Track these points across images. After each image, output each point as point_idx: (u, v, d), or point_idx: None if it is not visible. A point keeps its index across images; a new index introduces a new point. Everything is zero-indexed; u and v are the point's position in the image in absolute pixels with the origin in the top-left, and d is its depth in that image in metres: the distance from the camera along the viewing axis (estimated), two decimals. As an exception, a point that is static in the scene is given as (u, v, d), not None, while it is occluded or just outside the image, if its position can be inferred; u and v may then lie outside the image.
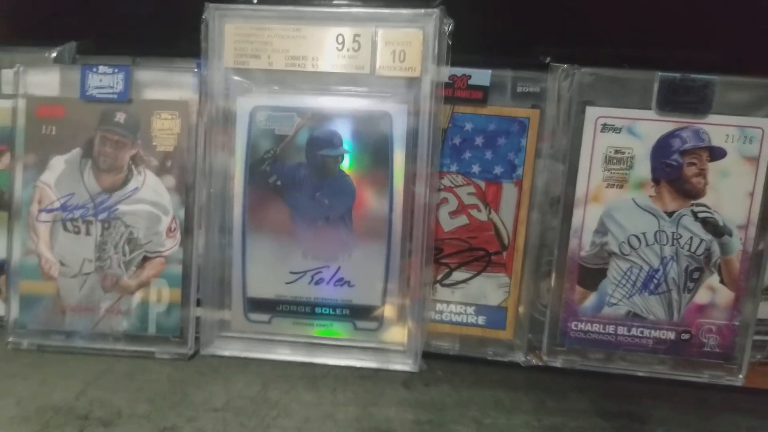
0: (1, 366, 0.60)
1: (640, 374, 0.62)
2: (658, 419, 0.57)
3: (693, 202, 0.60)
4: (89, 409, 0.55)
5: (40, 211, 0.62)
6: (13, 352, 0.63)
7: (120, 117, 0.61)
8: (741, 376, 0.62)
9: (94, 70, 0.61)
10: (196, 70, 0.61)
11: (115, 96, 0.61)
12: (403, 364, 0.62)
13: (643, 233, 0.60)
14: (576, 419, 0.56)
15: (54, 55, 0.64)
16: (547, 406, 0.58)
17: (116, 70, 0.61)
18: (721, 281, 0.61)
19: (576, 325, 0.62)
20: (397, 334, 0.62)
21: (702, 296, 0.61)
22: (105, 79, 0.61)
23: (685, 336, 0.62)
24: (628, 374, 0.62)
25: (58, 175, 0.62)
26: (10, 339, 0.63)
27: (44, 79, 0.62)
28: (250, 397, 0.57)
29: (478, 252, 0.63)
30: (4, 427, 0.53)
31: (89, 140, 0.62)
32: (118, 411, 0.55)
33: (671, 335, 0.62)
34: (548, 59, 0.61)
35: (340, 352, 0.62)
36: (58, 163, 0.62)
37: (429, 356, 0.64)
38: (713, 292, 0.61)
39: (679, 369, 0.62)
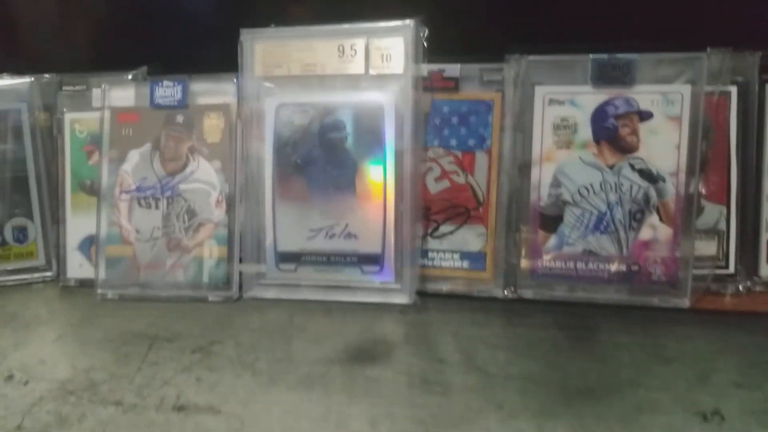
0: (92, 310, 0.79)
1: (599, 302, 0.74)
2: (607, 329, 0.69)
3: (629, 156, 0.73)
4: (156, 332, 0.72)
5: (121, 192, 0.81)
6: (101, 301, 0.81)
7: (179, 118, 0.81)
8: (686, 300, 0.73)
9: (160, 84, 0.81)
10: (234, 80, 0.80)
11: (176, 103, 0.81)
12: (401, 298, 0.76)
13: (591, 184, 0.74)
14: (536, 330, 0.70)
15: (130, 77, 0.85)
16: (513, 323, 0.71)
17: (176, 84, 0.81)
18: (661, 220, 0.73)
19: (542, 263, 0.76)
20: (395, 276, 0.77)
21: (645, 233, 0.74)
22: (168, 90, 0.81)
23: (635, 268, 0.74)
24: (589, 302, 0.75)
25: (134, 165, 0.81)
26: (99, 291, 0.81)
27: (123, 94, 0.82)
28: (279, 322, 0.74)
29: (459, 209, 0.78)
30: (97, 344, 0.70)
31: (157, 137, 0.81)
32: (178, 333, 0.72)
33: (623, 267, 0.74)
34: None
35: (350, 291, 0.78)
36: (134, 156, 0.81)
37: (423, 295, 0.78)
38: (654, 229, 0.73)
39: (633, 295, 0.74)
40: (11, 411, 0.59)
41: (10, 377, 0.65)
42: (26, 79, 0.86)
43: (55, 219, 0.86)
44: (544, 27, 0.83)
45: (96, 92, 0.84)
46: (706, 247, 0.76)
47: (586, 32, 0.76)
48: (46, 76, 0.86)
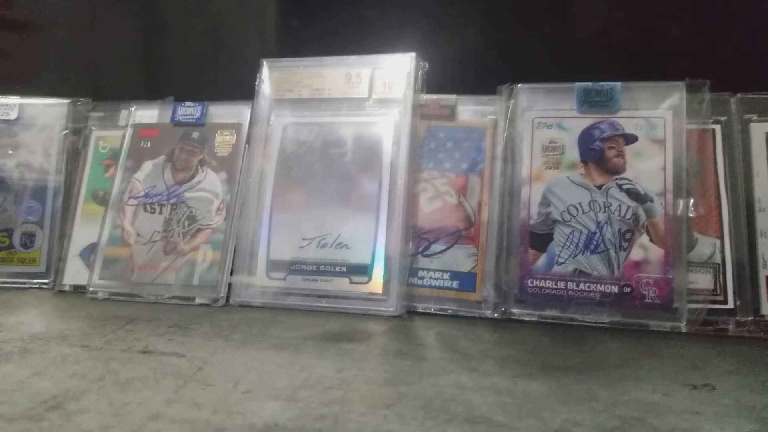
0: (80, 304, 0.79)
1: (591, 323, 0.72)
2: (596, 338, 0.67)
3: (616, 176, 0.75)
4: (138, 316, 0.72)
5: (129, 197, 0.85)
6: (91, 300, 0.81)
7: (195, 134, 0.86)
8: (683, 323, 0.70)
9: (182, 104, 0.88)
10: (250, 105, 0.87)
11: (194, 120, 0.87)
12: (388, 309, 0.75)
13: (579, 203, 0.75)
14: (523, 335, 0.67)
15: (159, 106, 0.92)
16: (500, 330, 0.69)
17: (197, 104, 0.88)
18: (651, 240, 0.73)
19: (532, 282, 0.75)
20: (383, 287, 0.77)
21: (636, 253, 0.73)
22: (189, 110, 0.87)
23: (627, 289, 0.72)
24: (581, 324, 0.72)
25: (146, 174, 0.86)
26: (90, 290, 0.82)
27: (147, 113, 0.89)
28: (262, 318, 0.72)
29: (450, 229, 0.79)
30: (77, 319, 0.70)
31: (172, 150, 0.86)
32: (159, 318, 0.71)
33: (614, 288, 0.73)
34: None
35: (338, 300, 0.77)
36: (147, 166, 0.86)
37: (412, 314, 0.77)
38: (645, 250, 0.73)
39: (627, 318, 0.72)
40: (-23, 345, 0.58)
41: (-15, 329, 0.65)
42: (64, 101, 0.94)
43: (63, 231, 0.89)
44: (532, 63, 0.91)
45: (124, 112, 0.91)
46: (702, 281, 0.75)
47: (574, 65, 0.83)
48: (82, 100, 0.94)
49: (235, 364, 0.54)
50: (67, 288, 0.86)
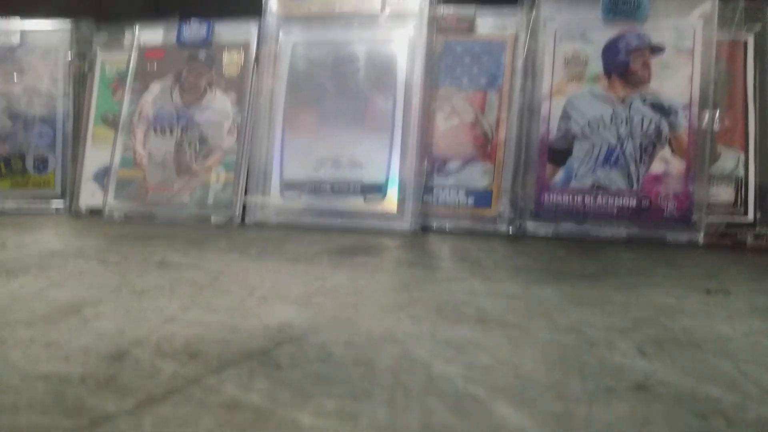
0: (97, 226, 0.80)
1: (608, 238, 0.71)
2: (613, 249, 0.66)
3: (641, 89, 0.73)
4: (155, 234, 0.72)
5: (139, 119, 0.84)
6: (107, 221, 0.82)
7: (202, 54, 0.85)
8: (700, 235, 0.69)
9: (187, 23, 0.86)
10: (257, 22, 0.84)
11: (201, 40, 0.85)
12: (402, 226, 0.75)
13: (601, 117, 0.73)
14: (538, 247, 0.67)
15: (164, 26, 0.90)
16: (515, 244, 0.69)
17: (202, 23, 0.85)
18: (673, 153, 0.71)
19: (549, 197, 0.74)
20: (398, 205, 0.76)
21: (657, 167, 0.72)
22: (195, 29, 0.85)
23: (645, 203, 0.71)
24: (597, 239, 0.72)
25: (155, 95, 0.85)
26: (106, 210, 0.82)
27: (152, 34, 0.87)
28: (276, 236, 0.73)
29: (467, 146, 0.78)
30: (94, 238, 0.71)
31: (179, 71, 0.85)
32: (176, 235, 0.72)
33: (633, 203, 0.72)
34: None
35: (352, 218, 0.77)
36: (155, 87, 0.85)
37: (426, 231, 0.76)
38: (667, 163, 0.71)
39: (643, 231, 0.71)
40: (-4, 260, 0.59)
41: (3, 246, 0.65)
42: (66, 24, 0.92)
43: (75, 154, 0.89)
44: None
45: (128, 34, 0.89)
46: (723, 194, 0.73)
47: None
48: (85, 21, 0.92)
49: (251, 274, 0.54)
50: (83, 210, 0.87)
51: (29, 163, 0.90)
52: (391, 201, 0.77)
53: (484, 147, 0.77)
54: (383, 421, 0.28)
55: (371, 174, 0.77)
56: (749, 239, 0.71)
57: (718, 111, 0.71)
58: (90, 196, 0.87)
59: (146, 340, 0.37)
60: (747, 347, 0.38)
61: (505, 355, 0.36)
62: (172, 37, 0.86)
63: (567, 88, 0.75)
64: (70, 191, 0.89)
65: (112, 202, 0.82)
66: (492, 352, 0.36)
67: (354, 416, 0.28)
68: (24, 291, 0.48)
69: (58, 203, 0.89)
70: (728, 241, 0.70)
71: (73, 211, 0.87)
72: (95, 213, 0.86)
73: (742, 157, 0.73)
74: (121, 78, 0.88)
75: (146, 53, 0.87)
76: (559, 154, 0.74)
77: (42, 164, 0.90)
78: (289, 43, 0.82)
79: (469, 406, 0.30)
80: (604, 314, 0.43)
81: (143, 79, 0.86)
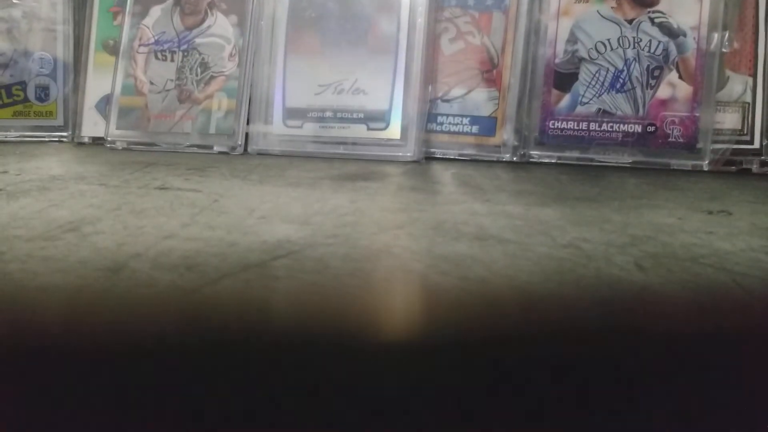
0: (99, 154, 0.80)
1: (612, 164, 0.71)
2: (616, 174, 0.66)
3: (649, 9, 0.70)
4: (157, 161, 0.72)
5: (139, 45, 0.83)
6: (109, 149, 0.82)
7: (202, -23, 0.83)
8: (705, 161, 0.69)
9: (187, -56, 0.83)
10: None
11: (200, -40, 0.83)
12: (405, 153, 0.74)
13: (608, 39, 0.71)
14: (541, 173, 0.67)
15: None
16: (517, 170, 0.68)
17: (202, -57, 0.83)
18: (680, 77, 0.70)
19: (553, 124, 0.73)
20: (401, 133, 0.75)
21: (663, 91, 0.70)
22: (194, -51, 0.83)
23: (651, 128, 0.70)
24: (601, 165, 0.71)
25: (155, 20, 0.83)
26: (108, 139, 0.82)
27: (152, -45, 0.85)
28: (279, 164, 0.72)
29: (472, 71, 0.77)
30: (96, 164, 0.71)
31: (179, -6, 0.83)
32: (178, 163, 0.72)
33: (638, 128, 0.71)
34: None
35: (355, 146, 0.76)
36: (155, 11, 0.83)
37: (430, 159, 0.76)
38: (673, 87, 0.70)
39: (648, 157, 0.70)
40: (-2, 184, 0.59)
41: (5, 172, 0.66)
42: (64, -56, 0.90)
43: (76, 83, 0.88)
44: None
45: (125, -44, 0.87)
46: (730, 120, 0.72)
47: None
48: (83, -58, 0.90)
49: (251, 197, 0.54)
50: (86, 140, 0.87)
51: (30, 91, 0.89)
52: (394, 129, 0.76)
53: (489, 72, 0.76)
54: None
55: (374, 101, 0.76)
56: (755, 166, 0.70)
57: (727, 33, 0.69)
58: (92, 125, 0.86)
59: (144, 254, 0.38)
60: (745, 262, 0.38)
61: (501, 268, 0.36)
62: (172, -42, 0.84)
63: (574, 8, 0.72)
64: (72, 121, 0.88)
65: (114, 131, 0.82)
66: (488, 266, 0.36)
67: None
68: (24, 211, 0.49)
69: (60, 134, 0.89)
70: (733, 168, 0.69)
71: (76, 141, 0.87)
72: (98, 141, 0.85)
73: (750, 81, 0.71)
74: (121, 2, 0.86)
75: (145, -25, 0.85)
76: (564, 78, 0.73)
77: (44, 93, 0.89)
78: (291, -36, 0.80)
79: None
80: (603, 232, 0.43)
81: (143, 2, 0.84)
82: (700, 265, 0.37)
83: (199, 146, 0.79)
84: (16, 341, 0.27)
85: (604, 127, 0.71)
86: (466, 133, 0.76)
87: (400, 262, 0.37)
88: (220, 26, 0.81)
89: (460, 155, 0.76)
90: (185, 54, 0.81)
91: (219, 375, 0.25)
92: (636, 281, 0.34)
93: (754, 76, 0.71)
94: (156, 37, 0.82)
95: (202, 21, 0.81)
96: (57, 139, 0.89)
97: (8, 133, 0.88)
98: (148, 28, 0.83)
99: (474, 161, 0.75)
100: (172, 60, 0.82)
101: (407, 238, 0.42)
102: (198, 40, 0.81)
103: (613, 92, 0.71)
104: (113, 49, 0.86)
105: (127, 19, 0.84)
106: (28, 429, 0.23)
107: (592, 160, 0.71)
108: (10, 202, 0.51)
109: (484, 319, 0.30)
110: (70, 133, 0.88)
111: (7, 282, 0.33)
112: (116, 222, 0.45)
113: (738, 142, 0.71)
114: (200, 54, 0.81)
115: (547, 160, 0.73)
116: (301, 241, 0.41)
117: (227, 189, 0.57)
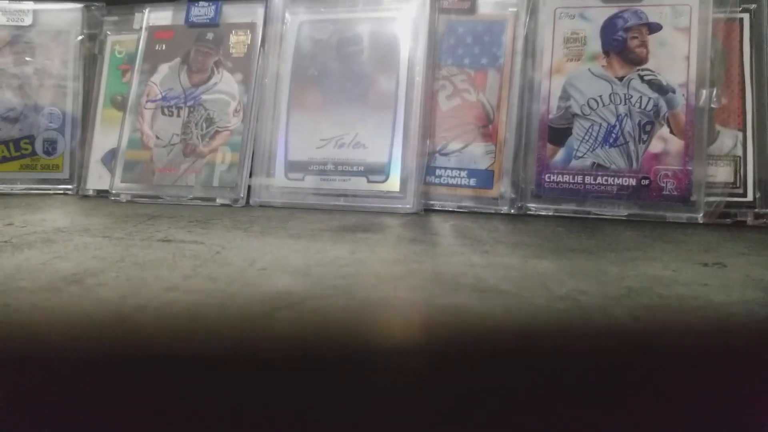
0: (104, 206, 0.81)
1: (608, 217, 0.72)
2: (611, 227, 0.67)
3: (638, 67, 0.73)
4: (161, 214, 0.73)
5: (147, 101, 0.85)
6: (114, 202, 0.83)
7: (210, 35, 0.86)
8: (699, 214, 0.70)
9: (197, 4, 0.87)
10: (264, 2, 0.85)
11: (208, 20, 0.86)
12: (404, 205, 0.76)
13: (600, 96, 0.74)
14: (538, 225, 0.68)
15: (173, 7, 0.91)
16: (515, 222, 0.70)
17: (210, 3, 0.86)
18: (671, 132, 0.71)
19: (549, 177, 0.74)
20: (400, 185, 0.77)
21: (656, 146, 0.72)
22: (203, 9, 0.86)
23: (645, 182, 0.72)
24: (597, 218, 0.72)
25: (163, 77, 0.86)
26: (113, 192, 0.84)
27: (161, 15, 0.88)
28: (280, 215, 0.74)
29: (469, 126, 0.79)
30: (100, 216, 0.72)
31: (187, 52, 0.86)
32: (181, 215, 0.73)
33: (632, 182, 0.72)
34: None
35: (355, 199, 0.77)
36: (163, 69, 0.86)
37: (428, 211, 0.77)
38: (665, 142, 0.72)
39: (643, 210, 0.71)
40: (4, 237, 0.60)
41: (10, 224, 0.67)
42: (78, 5, 0.93)
43: (84, 137, 0.90)
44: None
45: (138, 15, 0.90)
46: (722, 173, 0.73)
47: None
48: (96, 3, 0.93)
49: (253, 249, 0.55)
50: (90, 193, 0.88)
51: (38, 145, 0.91)
52: (394, 182, 0.77)
53: (486, 127, 0.78)
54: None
55: (374, 154, 0.78)
56: (749, 218, 0.71)
57: (715, 90, 0.71)
58: (97, 178, 0.88)
59: (147, 306, 0.38)
60: (740, 313, 0.38)
61: (499, 320, 0.36)
62: (181, 17, 0.87)
63: (566, 66, 0.75)
64: (78, 174, 0.90)
65: (119, 184, 0.84)
66: (486, 317, 0.37)
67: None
68: (28, 263, 0.49)
69: (66, 186, 0.90)
70: (728, 220, 0.70)
71: (81, 194, 0.88)
72: (102, 193, 0.87)
73: (740, 136, 0.73)
74: (130, 59, 0.89)
75: (155, 34, 0.88)
76: (558, 133, 0.75)
77: (51, 147, 0.91)
78: (295, 23, 0.83)
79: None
80: (599, 284, 0.44)
81: (152, 60, 0.87)
82: (696, 317, 0.37)
83: (202, 199, 0.81)
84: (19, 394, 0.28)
85: (599, 180, 0.73)
86: (464, 186, 0.78)
87: (398, 314, 0.37)
88: (226, 83, 0.83)
89: (458, 207, 0.77)
90: (191, 110, 0.84)
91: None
92: (632, 332, 0.35)
93: (744, 130, 0.73)
94: (163, 94, 0.85)
95: (209, 78, 0.84)
96: (62, 191, 0.90)
97: (14, 185, 0.90)
98: (155, 84, 0.86)
99: (472, 213, 0.76)
100: (179, 115, 0.84)
101: (406, 290, 0.42)
102: (204, 97, 0.84)
103: (607, 146, 0.73)
104: (121, 105, 0.89)
105: (136, 76, 0.87)
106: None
107: (588, 212, 0.73)
108: (16, 254, 0.52)
109: (483, 369, 0.30)
110: (75, 185, 0.90)
111: (12, 332, 0.34)
112: (119, 274, 0.46)
113: (731, 195, 0.72)
114: (206, 110, 0.83)
115: (544, 213, 0.74)
116: (301, 293, 0.41)
117: (229, 241, 0.58)
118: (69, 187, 0.91)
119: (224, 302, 0.39)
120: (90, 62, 0.92)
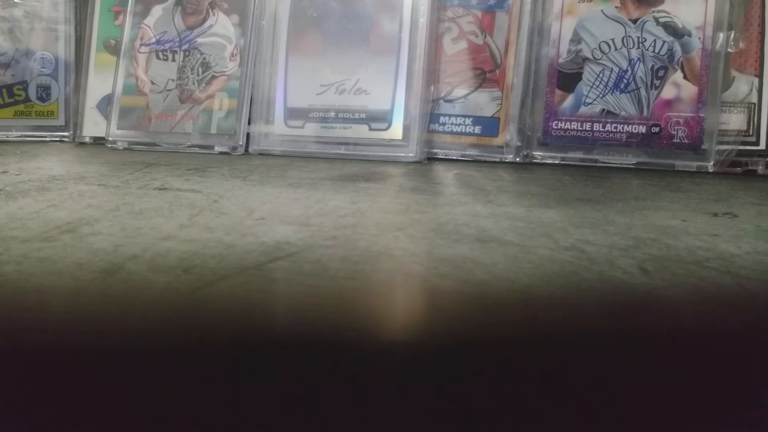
0: (100, 153, 0.79)
1: (616, 165, 0.70)
2: (619, 176, 0.65)
3: (654, 9, 0.70)
4: (157, 161, 0.72)
5: (141, 45, 0.82)
6: (111, 150, 0.82)
7: (203, -24, 0.82)
8: (710, 162, 0.68)
9: (189, -57, 0.83)
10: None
11: (202, -39, 0.82)
12: (407, 154, 0.74)
13: (612, 39, 0.71)
14: (544, 174, 0.66)
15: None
16: (520, 171, 0.68)
17: (204, -58, 0.83)
18: (685, 77, 0.69)
19: (557, 124, 0.72)
20: (403, 134, 0.75)
21: (668, 92, 0.69)
22: (196, -51, 0.83)
23: (655, 129, 0.69)
24: (605, 166, 0.71)
25: (156, 19, 0.83)
26: (109, 140, 0.82)
27: (154, -46, 0.85)
28: (280, 164, 0.72)
29: (475, 71, 0.76)
30: (96, 164, 0.70)
31: (181, -7, 0.83)
32: (179, 163, 0.71)
33: (642, 129, 0.70)
34: None
35: (357, 147, 0.76)
36: (156, 10, 0.83)
37: (432, 160, 0.75)
38: (678, 87, 0.69)
39: (652, 158, 0.69)
40: (-3, 184, 0.59)
41: (5, 172, 0.65)
42: (67, -55, 0.89)
43: (77, 82, 0.88)
44: None
45: (127, -44, 0.87)
46: (735, 121, 0.71)
47: None
48: (87, -58, 0.89)
49: (251, 198, 0.54)
50: (87, 140, 0.86)
51: (32, 91, 0.89)
52: (396, 130, 0.75)
53: (492, 72, 0.75)
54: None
55: (376, 101, 0.76)
56: (760, 167, 0.70)
57: (733, 33, 0.68)
58: (93, 125, 0.86)
59: (141, 256, 0.37)
60: (750, 265, 0.37)
61: (502, 271, 0.35)
62: (174, -42, 0.84)
63: (578, 8, 0.72)
64: (73, 121, 0.88)
65: (115, 131, 0.82)
66: (489, 269, 0.36)
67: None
68: (22, 212, 0.48)
69: (62, 134, 0.89)
70: (739, 169, 0.68)
71: (77, 141, 0.87)
72: (99, 141, 0.85)
73: (756, 82, 0.71)
74: (123, 1, 0.86)
75: (147, -25, 0.84)
76: (568, 78, 0.72)
77: (45, 93, 0.89)
78: (292, -37, 0.80)
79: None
80: (606, 234, 0.43)
81: (145, 2, 0.84)
82: (705, 268, 0.36)
83: (200, 146, 0.79)
84: (11, 343, 0.27)
85: (608, 127, 0.71)
86: (469, 134, 0.76)
87: (399, 264, 0.36)
88: (222, 26, 0.80)
89: (462, 156, 0.75)
90: (186, 54, 0.81)
91: (216, 376, 0.25)
92: (639, 285, 0.33)
93: (761, 76, 0.71)
94: (157, 37, 0.82)
95: (204, 20, 0.81)
96: (58, 139, 0.89)
97: (9, 132, 0.88)
98: (149, 27, 0.83)
99: (476, 162, 0.74)
100: (174, 60, 0.81)
101: (407, 240, 0.41)
102: (199, 40, 0.81)
103: (617, 92, 0.71)
104: (114, 49, 0.86)
105: (129, 19, 0.84)
106: (24, 428, 0.22)
107: (595, 161, 0.71)
108: (9, 203, 0.51)
109: (484, 322, 0.29)
110: (71, 133, 0.88)
111: (1, 283, 0.33)
112: (114, 223, 0.45)
113: (743, 143, 0.70)
114: (201, 54, 0.80)
115: (550, 161, 0.72)
116: (299, 243, 0.40)
117: (227, 190, 0.57)
118: (65, 134, 0.89)
119: (221, 252, 0.38)
120: (81, 4, 0.89)
